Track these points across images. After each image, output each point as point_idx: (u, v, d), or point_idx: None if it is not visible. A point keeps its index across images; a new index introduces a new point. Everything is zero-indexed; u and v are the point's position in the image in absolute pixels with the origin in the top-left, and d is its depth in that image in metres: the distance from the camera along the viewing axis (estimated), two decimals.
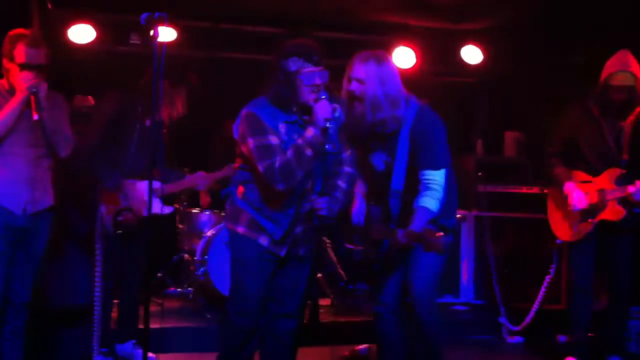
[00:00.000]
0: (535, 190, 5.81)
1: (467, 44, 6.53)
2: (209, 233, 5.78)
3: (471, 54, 6.57)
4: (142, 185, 4.25)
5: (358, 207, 3.69)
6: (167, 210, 4.62)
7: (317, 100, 3.31)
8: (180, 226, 6.09)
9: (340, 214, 3.57)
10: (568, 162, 4.51)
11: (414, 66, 6.39)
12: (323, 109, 3.29)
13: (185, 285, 6.02)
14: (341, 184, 3.56)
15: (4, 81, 3.77)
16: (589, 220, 4.40)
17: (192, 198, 5.94)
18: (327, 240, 6.00)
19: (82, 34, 5.89)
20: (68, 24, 5.86)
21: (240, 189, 3.52)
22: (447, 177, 3.48)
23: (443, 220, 3.53)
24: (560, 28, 5.73)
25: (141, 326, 3.74)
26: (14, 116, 3.66)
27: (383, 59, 3.47)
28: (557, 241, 4.65)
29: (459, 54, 6.57)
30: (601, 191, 4.36)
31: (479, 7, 5.90)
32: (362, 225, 3.68)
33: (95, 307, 4.19)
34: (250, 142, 3.35)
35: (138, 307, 4.42)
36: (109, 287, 4.31)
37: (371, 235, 3.59)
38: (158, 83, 3.29)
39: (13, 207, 3.74)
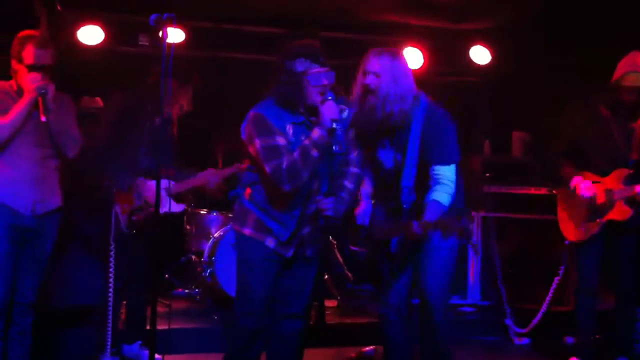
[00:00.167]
0: (542, 191, 5.80)
1: (475, 44, 6.52)
2: (217, 234, 5.79)
3: (479, 54, 6.56)
4: (155, 184, 4.26)
5: (363, 207, 3.69)
6: (179, 208, 4.63)
7: (323, 101, 3.32)
8: (188, 227, 6.09)
9: (346, 214, 3.57)
10: (577, 164, 4.50)
11: (421, 67, 6.39)
12: (330, 109, 3.30)
13: (193, 287, 6.02)
14: (348, 184, 3.56)
15: (12, 82, 3.79)
16: (597, 220, 4.40)
17: (200, 199, 5.94)
18: (334, 241, 6.00)
19: (90, 35, 5.90)
20: (77, 25, 5.88)
21: (248, 190, 3.53)
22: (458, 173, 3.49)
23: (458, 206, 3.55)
24: (564, 28, 5.72)
25: (148, 327, 3.76)
26: (22, 117, 3.68)
27: (398, 55, 3.54)
28: (566, 242, 4.65)
29: (466, 54, 6.56)
30: (609, 191, 4.35)
31: (482, 7, 5.89)
32: (367, 226, 3.68)
33: (109, 308, 4.21)
34: (257, 143, 3.36)
35: (146, 308, 4.43)
36: (119, 288, 4.32)
37: (381, 236, 3.58)
38: (167, 83, 3.30)
39: (20, 207, 3.75)
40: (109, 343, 4.23)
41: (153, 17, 3.31)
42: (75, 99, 4.19)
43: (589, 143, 4.47)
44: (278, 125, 3.36)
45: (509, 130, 6.76)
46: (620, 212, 4.34)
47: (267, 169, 3.33)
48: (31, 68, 3.69)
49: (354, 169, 3.59)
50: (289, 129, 3.38)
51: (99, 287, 4.49)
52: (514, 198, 5.94)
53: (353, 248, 3.79)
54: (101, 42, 5.95)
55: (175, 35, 5.64)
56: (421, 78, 3.71)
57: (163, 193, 4.29)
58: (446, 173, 3.45)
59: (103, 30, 5.92)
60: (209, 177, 4.60)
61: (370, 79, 3.45)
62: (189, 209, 6.05)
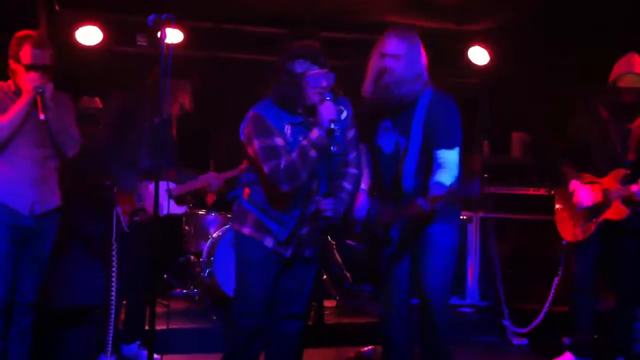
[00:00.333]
0: (541, 192, 5.81)
1: (474, 45, 6.53)
2: (215, 234, 5.79)
3: (478, 55, 6.56)
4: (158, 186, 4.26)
5: (361, 202, 3.69)
6: (181, 210, 4.64)
7: (322, 101, 3.32)
8: (187, 227, 6.09)
9: (345, 215, 3.58)
10: (576, 164, 4.52)
11: None
12: (328, 110, 3.30)
13: (191, 287, 6.02)
14: (346, 185, 3.56)
15: (10, 82, 3.79)
16: (594, 220, 4.41)
17: (198, 199, 5.95)
18: (333, 242, 6.00)
19: (89, 35, 5.90)
20: (75, 26, 5.88)
21: (247, 190, 3.53)
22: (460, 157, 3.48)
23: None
24: (563, 28, 5.73)
25: (147, 327, 3.76)
26: (20, 117, 3.68)
27: (416, 37, 3.52)
28: (563, 242, 4.67)
29: (465, 55, 6.57)
30: (606, 191, 4.38)
31: (482, 8, 5.90)
32: (364, 219, 3.67)
33: (111, 308, 4.22)
34: (256, 144, 3.36)
35: (145, 308, 4.43)
36: (120, 288, 4.33)
37: (385, 219, 3.57)
38: (165, 84, 3.30)
39: (19, 207, 3.75)
40: (109, 343, 4.23)
41: (151, 17, 3.31)
42: (74, 99, 4.18)
43: (587, 144, 4.49)
44: (276, 125, 3.36)
45: (508, 131, 6.76)
46: (616, 212, 4.36)
47: (266, 169, 3.33)
48: (29, 68, 3.69)
49: (352, 170, 3.59)
50: (288, 130, 3.39)
51: (99, 287, 4.49)
52: (512, 199, 5.94)
53: (350, 243, 3.78)
54: (100, 43, 5.95)
55: (173, 35, 5.66)
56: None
57: (164, 196, 4.29)
58: (450, 157, 3.43)
59: (101, 30, 5.92)
60: (211, 180, 4.61)
61: (389, 62, 3.44)
62: (188, 210, 6.04)
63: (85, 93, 5.92)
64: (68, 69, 4.23)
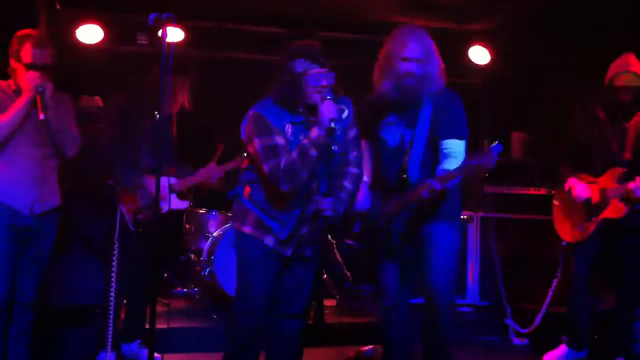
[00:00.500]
0: (542, 192, 5.81)
1: (474, 44, 6.52)
2: (216, 233, 5.79)
3: (478, 55, 6.56)
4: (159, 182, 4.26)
5: (363, 195, 3.69)
6: (183, 205, 4.64)
7: (322, 100, 3.32)
8: (187, 226, 6.09)
9: (345, 214, 3.57)
10: (575, 164, 4.53)
11: None
12: (328, 109, 3.30)
13: (192, 286, 6.02)
14: (347, 184, 3.56)
15: (10, 82, 3.79)
16: (592, 219, 4.42)
17: (198, 197, 5.95)
18: (333, 241, 6.00)
19: (89, 34, 5.90)
20: (76, 24, 5.88)
21: (247, 189, 3.53)
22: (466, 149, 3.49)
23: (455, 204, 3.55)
24: (563, 28, 5.73)
25: (147, 326, 3.76)
26: (20, 116, 3.68)
27: (430, 37, 3.54)
28: (563, 243, 4.67)
29: (465, 54, 6.56)
30: (603, 190, 4.40)
31: (483, 8, 5.89)
32: (364, 216, 3.67)
33: (110, 307, 4.22)
34: (257, 143, 3.36)
35: (145, 307, 4.43)
36: (120, 287, 4.33)
37: (391, 209, 3.56)
38: (165, 82, 3.30)
39: (19, 206, 3.75)
40: (109, 342, 4.23)
41: (152, 16, 3.31)
42: (74, 98, 4.18)
43: (585, 144, 4.50)
44: (277, 124, 3.36)
45: (508, 131, 6.76)
46: (615, 210, 4.37)
47: (266, 168, 3.33)
48: (29, 67, 3.69)
49: (353, 169, 3.59)
50: (288, 129, 3.39)
51: (99, 287, 4.49)
52: (513, 198, 5.94)
53: (349, 242, 3.77)
54: (100, 41, 5.95)
55: (174, 34, 5.66)
56: None
57: (166, 191, 4.30)
58: (457, 147, 3.45)
59: (102, 29, 5.92)
60: (210, 173, 4.61)
61: (411, 66, 3.46)
62: (188, 208, 6.04)
63: (86, 92, 5.91)
64: (68, 67, 4.24)
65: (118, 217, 4.27)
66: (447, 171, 3.29)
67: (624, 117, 4.40)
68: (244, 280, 3.53)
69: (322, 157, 3.38)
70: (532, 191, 5.92)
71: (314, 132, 3.32)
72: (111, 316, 4.23)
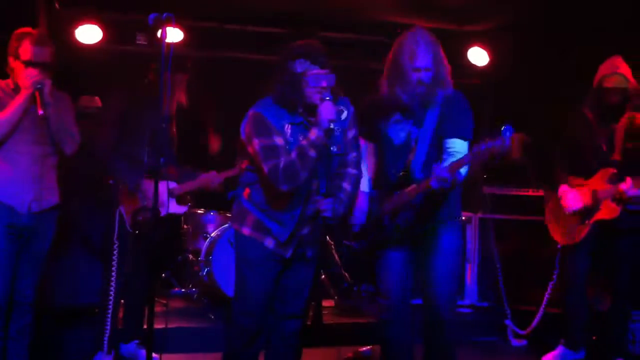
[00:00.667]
0: (540, 193, 5.81)
1: (473, 45, 6.53)
2: (214, 233, 5.79)
3: (477, 56, 6.57)
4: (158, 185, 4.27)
5: (360, 205, 3.69)
6: (182, 210, 4.64)
7: (321, 101, 3.32)
8: (185, 226, 6.09)
9: (343, 215, 3.57)
10: (568, 167, 4.58)
11: None
12: (327, 110, 3.30)
13: (190, 286, 6.03)
14: (346, 185, 3.56)
15: (9, 81, 3.79)
16: (586, 222, 4.44)
17: (197, 199, 5.95)
18: (331, 241, 6.00)
19: (88, 34, 5.90)
20: (75, 24, 5.87)
21: (247, 190, 3.53)
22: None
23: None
24: (563, 29, 5.73)
25: (145, 326, 3.76)
26: (19, 113, 3.68)
27: (438, 41, 3.54)
28: (558, 246, 4.70)
29: (464, 55, 6.57)
30: (594, 192, 4.43)
31: (484, 9, 5.90)
32: (364, 222, 3.67)
33: (109, 306, 4.22)
34: (256, 143, 3.36)
35: (143, 307, 4.43)
36: (119, 287, 4.33)
37: (390, 207, 3.56)
38: (165, 83, 3.30)
39: (17, 205, 3.75)
40: (106, 341, 4.23)
41: (152, 16, 3.31)
42: (73, 98, 4.18)
43: (577, 146, 4.54)
44: (276, 124, 3.36)
45: None
46: (608, 211, 4.40)
47: (265, 168, 3.33)
48: (28, 64, 3.69)
49: (352, 170, 3.58)
50: (287, 129, 3.38)
51: (98, 286, 4.49)
52: (512, 199, 5.95)
53: (346, 242, 3.77)
54: (99, 41, 5.94)
55: (173, 34, 5.65)
56: None
57: (165, 195, 4.30)
58: (460, 147, 3.45)
59: (101, 29, 5.92)
60: (210, 180, 4.62)
61: (422, 76, 3.47)
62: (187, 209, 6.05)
63: (85, 92, 5.91)
64: (68, 67, 4.23)
65: (117, 217, 4.27)
66: (456, 160, 3.28)
67: (612, 118, 4.44)
68: (242, 281, 3.53)
69: (321, 158, 3.38)
70: (531, 192, 5.92)
71: (313, 133, 3.32)
72: (109, 316, 4.23)
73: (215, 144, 5.34)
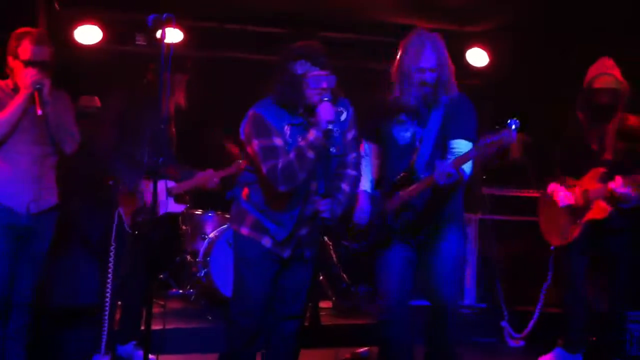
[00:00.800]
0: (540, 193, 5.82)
1: (473, 46, 6.54)
2: (212, 234, 5.79)
3: (476, 57, 6.57)
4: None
5: (361, 205, 3.69)
6: (180, 208, 4.64)
7: (320, 102, 3.32)
8: (183, 227, 6.09)
9: (342, 216, 3.57)
10: (563, 168, 4.60)
11: None
12: (326, 111, 3.30)
13: (188, 287, 6.02)
14: (344, 186, 3.56)
15: (8, 81, 3.79)
16: (578, 221, 4.46)
17: (195, 199, 5.95)
18: (329, 242, 6.00)
19: (88, 34, 5.90)
20: (74, 25, 5.88)
21: (245, 190, 3.53)
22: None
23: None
24: (562, 29, 5.74)
25: (143, 327, 3.75)
26: (18, 113, 3.68)
27: (443, 43, 3.55)
28: (551, 247, 4.72)
29: (463, 56, 6.58)
30: (585, 191, 4.46)
31: (485, 9, 5.90)
32: (365, 223, 3.67)
33: (106, 307, 4.22)
34: (255, 143, 3.36)
35: (141, 308, 4.43)
36: (116, 288, 4.33)
37: (393, 206, 3.55)
38: (165, 83, 3.30)
39: (16, 205, 3.75)
40: (103, 342, 4.23)
41: (151, 17, 3.31)
42: (73, 98, 4.18)
43: (567, 146, 4.59)
44: (276, 125, 3.36)
45: None
46: (599, 211, 4.42)
47: (264, 169, 3.33)
48: (27, 64, 3.69)
49: (351, 171, 3.58)
50: (287, 130, 3.38)
51: (96, 287, 4.49)
52: (511, 200, 5.95)
53: (345, 243, 3.76)
54: (99, 42, 5.95)
55: (173, 35, 5.65)
56: None
57: (164, 194, 4.30)
58: (465, 148, 3.43)
59: (100, 29, 5.92)
60: (208, 178, 4.62)
61: (426, 76, 3.48)
62: (185, 210, 6.04)
63: (84, 92, 5.91)
64: (67, 68, 4.23)
65: (116, 218, 4.27)
66: (461, 155, 3.28)
67: (603, 118, 4.47)
68: (241, 281, 3.53)
69: (320, 159, 3.38)
70: (530, 193, 5.92)
71: (312, 134, 3.32)
72: (107, 317, 4.23)
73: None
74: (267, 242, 3.46)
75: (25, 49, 3.69)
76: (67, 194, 4.00)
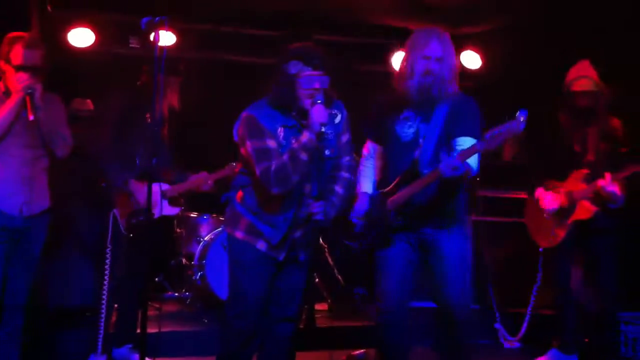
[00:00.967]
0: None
1: (466, 49, 6.55)
2: (207, 237, 5.78)
3: (469, 59, 6.58)
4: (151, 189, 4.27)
5: (361, 204, 3.68)
6: (174, 211, 4.63)
7: (313, 104, 3.31)
8: (179, 230, 6.08)
9: (336, 218, 3.56)
10: (547, 171, 4.64)
11: None
12: (318, 113, 3.29)
13: (183, 290, 6.01)
14: (338, 189, 3.55)
15: (0, 84, 3.78)
16: (564, 223, 4.49)
17: (191, 202, 5.94)
18: (325, 244, 6.00)
19: (81, 37, 5.89)
20: (67, 27, 5.87)
21: (240, 193, 3.53)
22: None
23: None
24: (555, 31, 5.75)
25: (138, 330, 3.74)
26: (10, 117, 3.68)
27: (449, 38, 3.57)
28: (539, 249, 4.74)
29: (459, 58, 6.59)
30: (570, 193, 4.48)
31: (478, 12, 5.91)
32: (365, 218, 3.66)
33: (102, 309, 4.21)
34: (249, 145, 3.35)
35: (137, 310, 4.42)
36: (112, 290, 4.32)
37: (396, 203, 3.54)
38: (159, 86, 3.29)
39: (9, 209, 3.74)
40: (100, 344, 4.22)
41: (145, 20, 3.31)
42: (66, 101, 4.17)
43: (549, 149, 4.64)
44: (269, 127, 3.36)
45: None
46: (584, 211, 4.45)
47: (257, 171, 3.33)
48: (19, 68, 3.68)
49: (344, 174, 3.58)
50: (280, 132, 3.38)
51: (92, 289, 4.49)
52: (504, 202, 5.95)
53: (347, 242, 3.74)
54: (92, 44, 5.94)
55: (166, 38, 5.64)
56: None
57: (158, 197, 4.29)
58: (470, 144, 3.40)
59: (93, 32, 5.91)
60: (202, 180, 4.61)
61: (431, 64, 3.48)
62: (180, 213, 6.03)
63: (77, 95, 5.91)
64: (60, 70, 4.22)
65: (111, 220, 4.26)
66: (467, 147, 3.27)
67: (584, 121, 4.50)
68: (236, 284, 3.52)
69: (314, 161, 3.38)
70: (524, 194, 5.93)
71: (305, 136, 3.31)
72: (103, 319, 4.22)
73: None
74: (261, 245, 3.45)
75: (17, 53, 3.69)
76: (62, 196, 4.00)
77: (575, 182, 4.49)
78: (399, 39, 6.41)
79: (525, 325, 5.21)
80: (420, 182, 3.44)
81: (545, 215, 4.59)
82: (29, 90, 3.64)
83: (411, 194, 3.49)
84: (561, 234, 4.54)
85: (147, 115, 4.31)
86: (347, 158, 3.59)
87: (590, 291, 4.67)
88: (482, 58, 6.56)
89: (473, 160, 3.39)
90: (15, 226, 3.77)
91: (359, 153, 3.82)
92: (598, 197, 4.35)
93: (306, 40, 3.62)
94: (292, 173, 3.30)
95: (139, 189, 4.30)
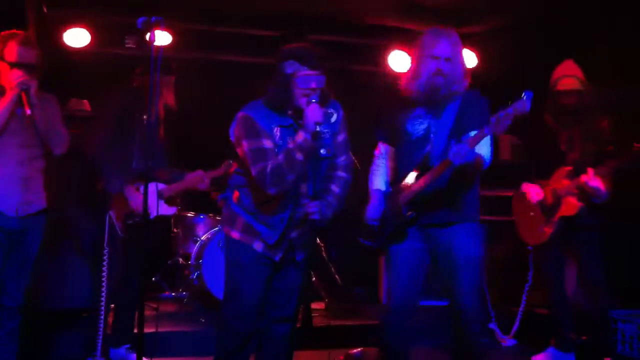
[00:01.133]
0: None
1: (462, 48, 6.55)
2: (204, 237, 5.78)
3: (466, 59, 6.59)
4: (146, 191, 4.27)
5: (376, 202, 3.67)
6: (171, 211, 4.63)
7: (308, 104, 3.31)
8: (175, 230, 6.08)
9: (333, 218, 3.56)
10: (536, 169, 4.68)
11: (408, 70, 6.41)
12: (313, 112, 3.28)
13: (180, 290, 6.01)
14: (334, 188, 3.55)
15: None
16: (550, 219, 4.52)
17: (187, 202, 5.94)
18: (321, 244, 6.00)
19: (77, 37, 5.89)
20: (63, 27, 5.86)
21: (236, 193, 3.53)
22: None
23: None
24: (556, 30, 5.76)
25: (135, 330, 3.74)
26: (5, 114, 3.67)
27: (459, 38, 3.57)
28: (528, 247, 4.75)
29: None
30: (554, 190, 4.51)
31: (474, 12, 5.92)
32: (378, 222, 3.64)
33: (101, 311, 4.21)
34: (245, 145, 3.35)
35: (134, 311, 4.42)
36: (109, 291, 4.31)
37: (406, 198, 3.53)
38: (155, 85, 3.29)
39: (5, 209, 3.74)
40: (99, 345, 4.22)
41: (141, 20, 3.30)
42: (62, 101, 4.17)
43: (536, 148, 4.68)
44: (265, 127, 3.35)
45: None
46: (568, 208, 4.47)
47: (253, 171, 3.33)
48: (13, 65, 3.68)
49: (341, 173, 3.58)
50: (277, 132, 3.38)
51: (89, 290, 4.48)
52: (501, 201, 5.95)
53: (363, 241, 3.73)
54: (88, 45, 5.93)
55: (162, 38, 5.65)
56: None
57: (154, 197, 4.29)
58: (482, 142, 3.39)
59: (89, 32, 5.91)
60: (197, 179, 4.61)
61: (442, 64, 3.48)
62: (177, 212, 6.03)
63: (73, 95, 5.90)
64: (56, 70, 4.22)
65: (107, 222, 4.26)
66: (475, 133, 3.24)
67: (570, 120, 4.51)
68: (233, 284, 3.52)
69: (310, 161, 3.37)
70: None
71: (300, 136, 3.30)
72: (100, 320, 4.22)
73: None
74: (258, 246, 3.45)
75: (12, 50, 3.68)
76: (59, 197, 4.00)
77: (559, 179, 4.51)
78: (395, 39, 6.43)
79: (517, 323, 5.22)
80: (432, 173, 3.42)
81: (533, 205, 4.59)
82: (24, 87, 3.63)
83: (423, 187, 3.47)
84: (548, 231, 4.55)
85: (142, 116, 4.31)
86: (343, 157, 3.59)
87: (581, 289, 4.69)
88: (478, 58, 6.56)
89: (486, 150, 3.39)
90: (12, 227, 3.76)
91: (356, 153, 3.82)
92: (582, 193, 4.36)
93: (301, 41, 3.61)
94: (288, 173, 3.29)
95: (135, 196, 4.29)
